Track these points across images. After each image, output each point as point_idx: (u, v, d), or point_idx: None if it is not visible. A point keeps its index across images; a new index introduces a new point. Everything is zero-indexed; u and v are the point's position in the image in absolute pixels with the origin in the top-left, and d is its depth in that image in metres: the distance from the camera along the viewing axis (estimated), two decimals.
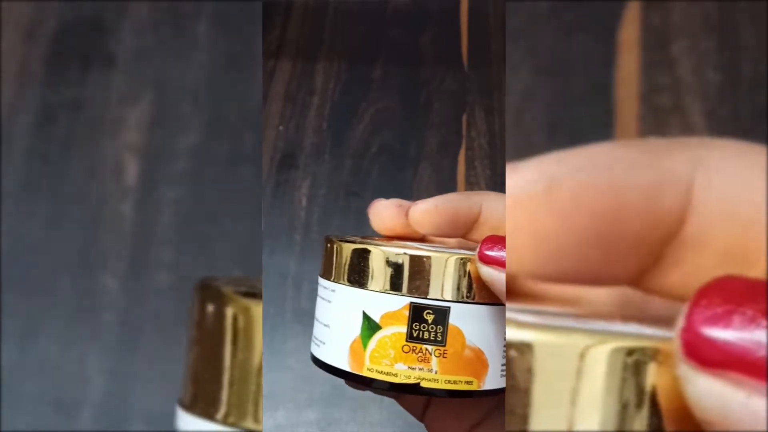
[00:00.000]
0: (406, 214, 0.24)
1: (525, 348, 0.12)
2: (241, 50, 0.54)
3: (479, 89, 0.56)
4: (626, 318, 0.14)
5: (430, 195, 0.54)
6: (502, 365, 0.22)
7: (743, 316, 0.11)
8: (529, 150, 0.52)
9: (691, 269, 0.14)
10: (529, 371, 0.12)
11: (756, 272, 0.14)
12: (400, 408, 0.27)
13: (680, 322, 0.12)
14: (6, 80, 0.54)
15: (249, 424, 0.16)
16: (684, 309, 0.12)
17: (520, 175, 0.14)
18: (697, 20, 0.55)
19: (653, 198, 0.14)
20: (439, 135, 0.54)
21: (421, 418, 0.26)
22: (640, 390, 0.13)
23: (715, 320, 0.11)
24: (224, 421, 0.17)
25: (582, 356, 0.13)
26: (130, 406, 0.45)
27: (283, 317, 0.47)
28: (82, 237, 0.50)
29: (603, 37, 0.55)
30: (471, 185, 0.52)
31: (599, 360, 0.13)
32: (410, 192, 0.52)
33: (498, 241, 0.21)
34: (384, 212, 0.24)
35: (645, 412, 0.13)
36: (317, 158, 0.54)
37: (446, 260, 0.22)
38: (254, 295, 0.17)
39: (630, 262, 0.14)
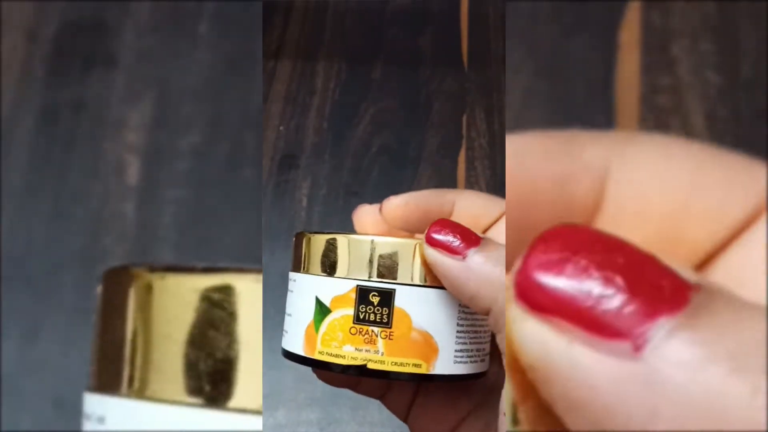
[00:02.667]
0: (380, 208, 0.24)
1: None
2: (242, 51, 0.54)
3: (479, 89, 0.56)
4: None
5: None
6: (456, 351, 0.23)
7: (576, 264, 0.11)
8: None
9: None
10: None
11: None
12: None
13: (516, 264, 0.12)
14: (8, 80, 0.54)
15: (154, 392, 0.16)
16: (522, 252, 0.12)
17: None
18: (697, 21, 0.55)
19: (564, 187, 0.14)
20: (439, 135, 0.54)
21: (405, 418, 0.27)
22: None
23: (548, 266, 0.11)
24: (128, 393, 0.17)
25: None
26: None
27: (283, 317, 0.47)
28: (84, 237, 0.50)
29: (603, 38, 0.55)
30: (471, 185, 0.52)
31: None
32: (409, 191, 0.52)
33: (447, 225, 0.22)
34: (364, 217, 0.25)
35: None
36: (317, 158, 0.54)
37: (393, 244, 0.23)
38: (156, 269, 0.17)
39: None
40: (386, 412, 0.44)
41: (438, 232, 0.22)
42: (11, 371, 0.46)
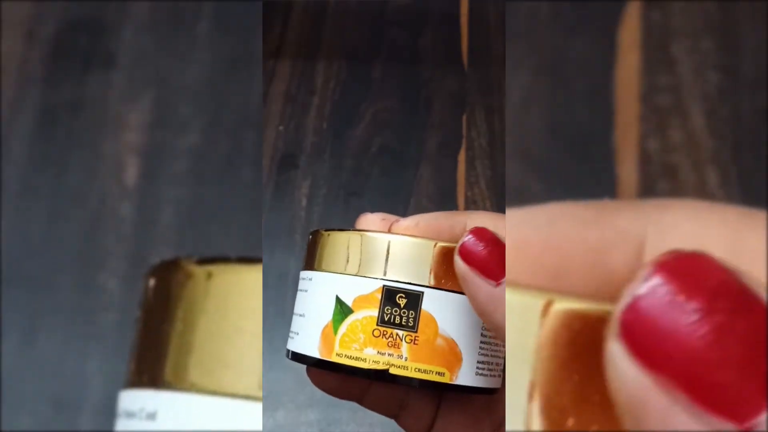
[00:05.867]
0: (389, 229, 0.24)
1: None
2: (242, 50, 0.54)
3: (479, 89, 0.56)
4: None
5: (430, 195, 0.54)
6: (478, 362, 0.22)
7: (704, 316, 0.09)
8: (529, 151, 0.52)
9: None
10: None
11: None
12: None
13: (627, 294, 0.10)
14: (6, 80, 0.54)
15: (224, 386, 0.16)
16: (638, 279, 0.10)
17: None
18: (697, 20, 0.55)
19: (599, 255, 0.14)
20: (440, 135, 0.54)
21: None
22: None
23: (669, 308, 0.10)
24: (189, 388, 0.16)
25: (544, 311, 0.12)
26: None
27: (283, 317, 0.47)
28: (82, 237, 0.50)
29: (603, 38, 0.55)
30: (471, 185, 0.52)
31: (557, 316, 0.12)
32: (410, 192, 0.52)
33: (486, 238, 0.20)
34: (368, 226, 0.24)
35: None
36: (317, 158, 0.54)
37: (424, 246, 0.22)
38: (207, 261, 0.17)
39: None
40: None
41: (474, 245, 0.20)
42: (10, 371, 0.46)
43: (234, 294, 0.16)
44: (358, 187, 0.52)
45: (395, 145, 0.54)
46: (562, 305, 0.13)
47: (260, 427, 0.15)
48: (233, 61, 0.54)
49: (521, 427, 0.12)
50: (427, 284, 0.21)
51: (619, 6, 0.55)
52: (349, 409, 0.45)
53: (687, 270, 0.10)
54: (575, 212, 0.14)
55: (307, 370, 0.24)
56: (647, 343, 0.10)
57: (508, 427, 0.13)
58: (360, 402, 0.25)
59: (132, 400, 0.16)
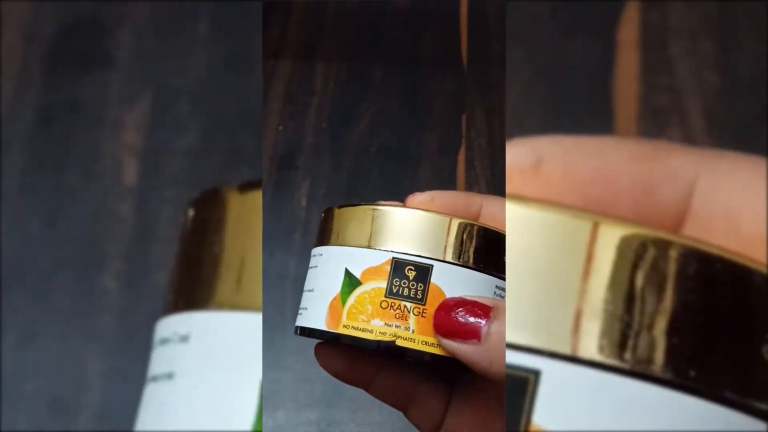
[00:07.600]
0: (405, 203, 0.24)
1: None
2: (241, 50, 0.54)
3: (479, 89, 0.56)
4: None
5: None
6: None
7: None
8: None
9: None
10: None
11: None
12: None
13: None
14: (5, 80, 0.54)
15: (220, 304, 0.16)
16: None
17: (514, 149, 0.15)
18: (696, 20, 0.55)
19: (649, 191, 0.14)
20: (439, 135, 0.54)
21: None
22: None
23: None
24: (200, 308, 0.16)
25: (594, 234, 0.13)
26: (129, 406, 0.45)
27: (283, 317, 0.47)
28: (81, 237, 0.50)
29: (602, 38, 0.55)
30: (471, 185, 0.52)
31: (611, 241, 0.13)
32: (410, 193, 0.52)
33: (450, 307, 0.21)
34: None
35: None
36: (317, 158, 0.54)
37: (437, 220, 0.22)
38: (244, 187, 0.17)
39: None
40: (386, 412, 0.44)
41: (444, 318, 0.21)
42: (9, 373, 0.46)
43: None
44: (358, 187, 0.52)
45: (395, 145, 0.54)
46: (610, 228, 0.13)
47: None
48: (233, 62, 0.54)
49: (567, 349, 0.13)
50: (437, 258, 0.21)
51: (618, 6, 0.55)
52: (349, 409, 0.45)
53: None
54: (628, 146, 0.14)
55: (315, 351, 0.24)
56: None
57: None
58: (367, 389, 0.25)
59: (166, 326, 0.17)
